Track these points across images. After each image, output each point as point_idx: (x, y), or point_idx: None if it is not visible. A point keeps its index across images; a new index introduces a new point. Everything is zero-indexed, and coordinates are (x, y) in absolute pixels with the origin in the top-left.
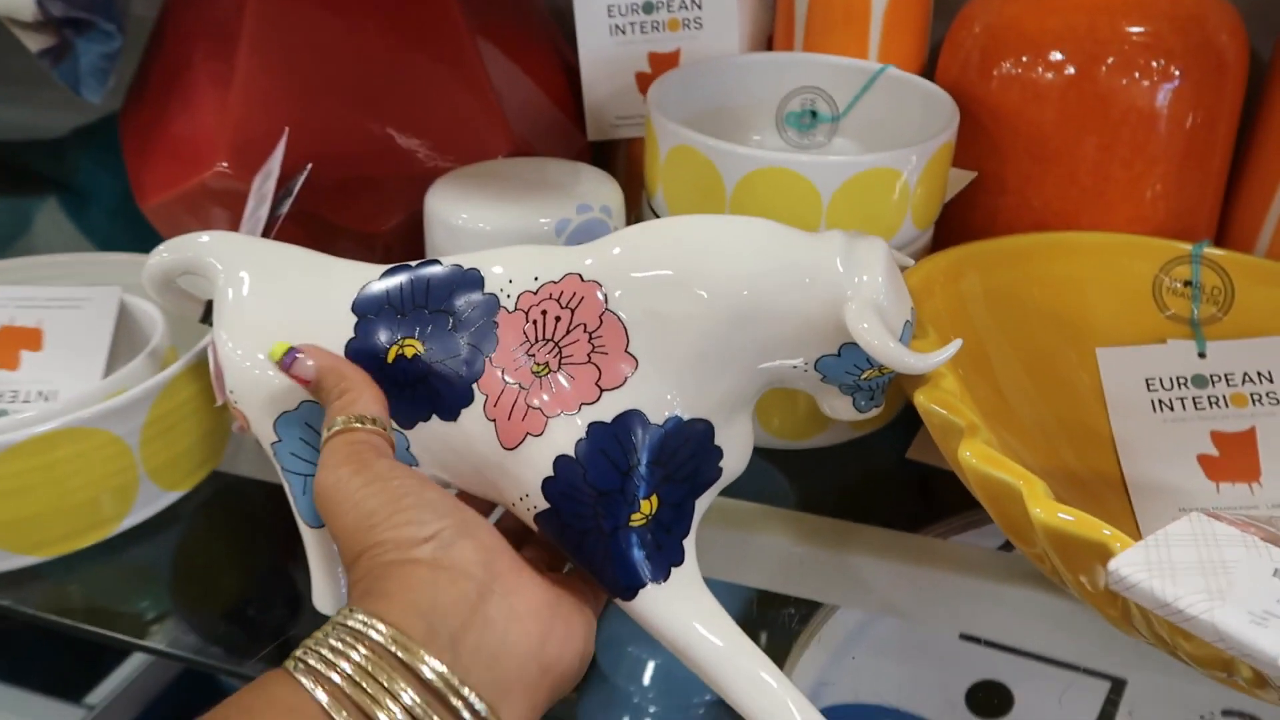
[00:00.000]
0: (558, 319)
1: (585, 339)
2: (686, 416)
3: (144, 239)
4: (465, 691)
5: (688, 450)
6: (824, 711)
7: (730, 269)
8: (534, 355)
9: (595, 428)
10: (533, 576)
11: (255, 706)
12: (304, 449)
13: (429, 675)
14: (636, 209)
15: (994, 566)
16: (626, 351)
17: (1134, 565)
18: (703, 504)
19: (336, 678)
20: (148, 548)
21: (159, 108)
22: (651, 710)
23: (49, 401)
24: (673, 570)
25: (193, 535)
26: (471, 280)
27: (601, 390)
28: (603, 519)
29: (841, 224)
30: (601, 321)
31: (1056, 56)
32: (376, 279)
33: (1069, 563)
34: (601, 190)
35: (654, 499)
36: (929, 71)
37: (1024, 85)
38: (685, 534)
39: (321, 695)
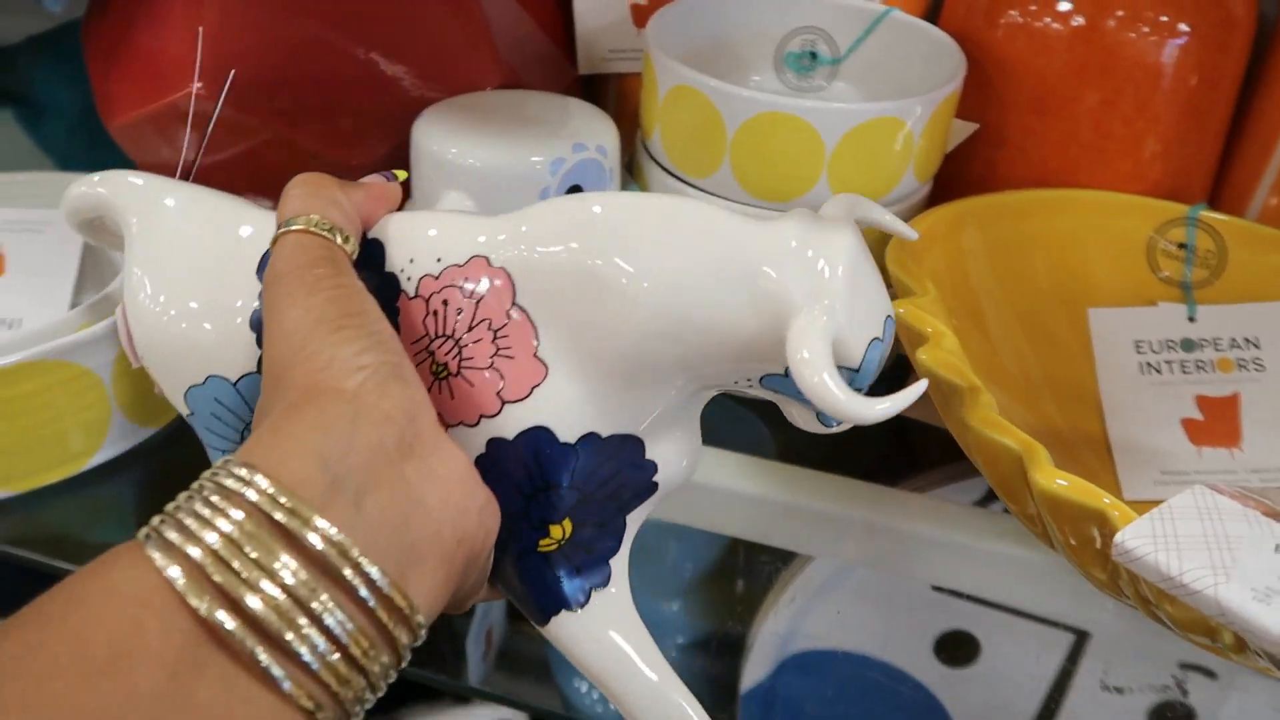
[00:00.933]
0: (460, 311)
1: (489, 338)
2: (605, 433)
3: (108, 158)
4: (362, 561)
5: (609, 469)
6: (794, 658)
7: (652, 266)
8: (434, 353)
9: (495, 444)
10: (455, 445)
11: (88, 596)
12: (216, 424)
13: (317, 544)
14: (629, 149)
15: (970, 522)
16: (535, 356)
17: (1141, 538)
18: (637, 519)
19: (198, 552)
20: (119, 484)
21: (126, 18)
22: None
23: (13, 330)
24: (594, 593)
25: (165, 472)
26: (371, 254)
27: (504, 402)
28: (509, 541)
29: (844, 173)
30: (509, 318)
31: (1065, 6)
32: None
33: (1063, 526)
34: (597, 128)
35: (567, 523)
36: (933, 15)
37: (1031, 35)
38: (613, 553)
39: (175, 573)
